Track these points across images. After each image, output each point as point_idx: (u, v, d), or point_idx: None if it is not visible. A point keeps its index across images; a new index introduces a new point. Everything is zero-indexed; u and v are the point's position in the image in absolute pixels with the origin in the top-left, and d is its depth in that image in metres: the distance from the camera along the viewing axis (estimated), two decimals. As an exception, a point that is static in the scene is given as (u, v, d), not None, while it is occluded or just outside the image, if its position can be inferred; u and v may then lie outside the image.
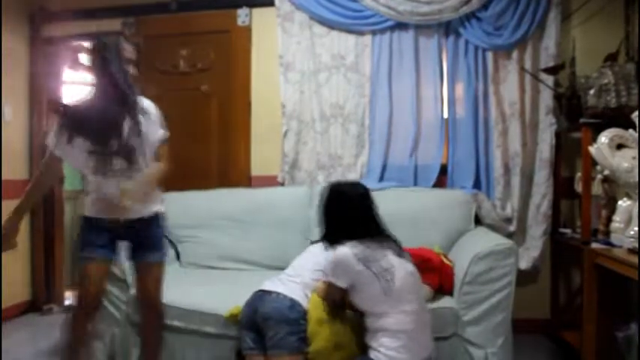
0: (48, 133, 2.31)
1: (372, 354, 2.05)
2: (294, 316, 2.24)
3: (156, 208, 2.43)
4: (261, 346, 2.30)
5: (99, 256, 2.33)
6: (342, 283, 2.14)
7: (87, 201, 2.38)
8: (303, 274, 2.41)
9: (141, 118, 2.27)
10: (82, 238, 2.36)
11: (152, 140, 2.34)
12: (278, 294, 2.31)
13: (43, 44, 4.21)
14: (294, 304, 2.27)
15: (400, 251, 2.20)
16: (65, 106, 2.35)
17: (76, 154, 2.23)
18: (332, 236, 2.25)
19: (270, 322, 2.24)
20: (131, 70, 2.37)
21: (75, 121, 2.21)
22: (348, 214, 2.24)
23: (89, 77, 2.39)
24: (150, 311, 2.50)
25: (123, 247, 2.43)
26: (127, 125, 2.22)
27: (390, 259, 2.12)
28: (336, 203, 2.30)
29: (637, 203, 2.41)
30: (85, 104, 2.26)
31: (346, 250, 2.12)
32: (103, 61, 2.28)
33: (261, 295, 2.35)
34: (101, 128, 2.19)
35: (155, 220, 2.43)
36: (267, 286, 2.39)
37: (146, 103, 2.38)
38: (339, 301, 2.22)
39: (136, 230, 2.36)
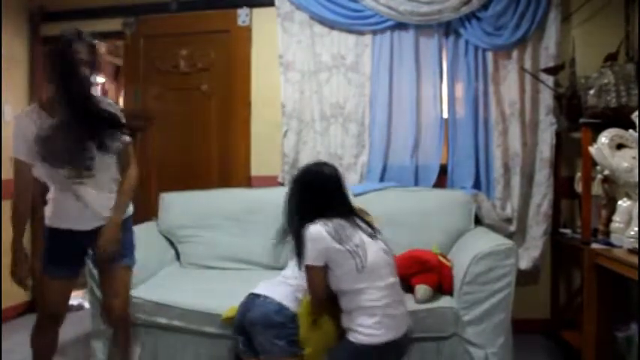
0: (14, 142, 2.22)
1: (351, 335, 2.06)
2: (281, 320, 2.23)
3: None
4: (253, 349, 2.30)
5: (64, 275, 2.33)
6: (316, 262, 2.11)
7: (48, 211, 2.33)
8: (298, 275, 2.36)
9: (104, 127, 2.22)
10: (48, 251, 2.33)
11: (115, 146, 2.28)
12: (266, 298, 2.30)
13: (43, 44, 4.21)
14: (281, 308, 2.25)
15: (372, 232, 2.20)
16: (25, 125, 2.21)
17: (41, 168, 2.22)
18: (303, 219, 2.19)
19: (257, 328, 2.25)
20: (87, 72, 2.21)
21: (41, 146, 2.15)
22: (316, 193, 2.23)
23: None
24: (115, 319, 2.45)
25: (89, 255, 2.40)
26: (90, 140, 2.18)
27: (361, 235, 2.14)
28: (304, 184, 2.29)
29: (637, 203, 2.40)
30: (45, 125, 2.16)
31: (318, 227, 2.12)
32: (52, 68, 2.19)
33: (252, 298, 2.35)
34: (67, 151, 2.15)
35: (123, 224, 2.38)
36: (259, 288, 2.39)
37: (106, 105, 2.31)
38: (323, 291, 2.17)
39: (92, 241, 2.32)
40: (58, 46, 2.21)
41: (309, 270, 2.15)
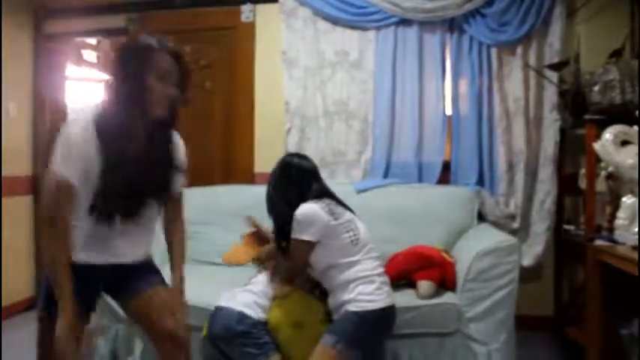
0: (54, 158, 1.71)
1: (352, 306, 2.10)
2: (243, 329, 2.21)
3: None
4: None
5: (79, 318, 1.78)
6: (311, 237, 2.17)
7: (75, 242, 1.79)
8: (265, 280, 2.43)
9: (175, 168, 1.94)
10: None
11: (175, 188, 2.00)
12: (227, 309, 2.29)
13: (47, 40, 4.22)
14: (242, 317, 2.23)
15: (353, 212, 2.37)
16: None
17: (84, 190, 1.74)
18: (292, 203, 2.25)
19: (222, 342, 2.26)
20: (172, 92, 1.82)
21: (101, 178, 1.72)
22: (303, 179, 2.35)
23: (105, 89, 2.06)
24: (182, 341, 1.96)
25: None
26: (159, 178, 1.88)
27: (348, 213, 2.30)
28: (290, 171, 2.38)
29: (638, 200, 2.40)
30: (106, 151, 1.72)
31: (312, 206, 2.21)
32: (124, 79, 1.78)
33: (215, 312, 2.34)
34: (129, 188, 1.77)
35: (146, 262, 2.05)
36: (221, 299, 2.37)
37: (178, 140, 2.02)
38: (303, 266, 2.28)
39: (124, 273, 1.94)
40: (136, 48, 1.86)
41: (299, 244, 2.20)
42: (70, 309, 1.68)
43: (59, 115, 4.33)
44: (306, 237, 2.18)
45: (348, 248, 2.19)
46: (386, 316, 2.17)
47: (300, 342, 2.24)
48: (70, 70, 4.66)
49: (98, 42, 5.13)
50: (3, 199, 3.77)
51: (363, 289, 2.12)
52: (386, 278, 2.25)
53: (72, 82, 4.82)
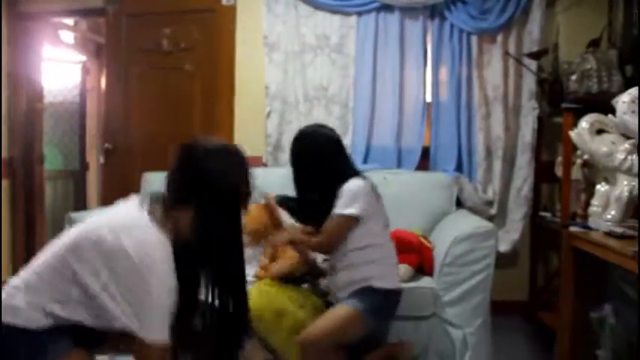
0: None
1: (376, 283, 2.13)
2: None
3: None
4: None
5: None
6: (359, 213, 2.11)
7: None
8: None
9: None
10: None
11: None
12: None
13: (23, 20, 4.12)
14: None
15: None
16: None
17: None
18: (337, 176, 2.21)
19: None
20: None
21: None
22: (341, 152, 2.31)
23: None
24: None
25: None
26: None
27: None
28: (331, 144, 2.29)
29: (614, 187, 2.44)
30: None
31: (360, 181, 2.18)
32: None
33: None
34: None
35: None
36: None
37: None
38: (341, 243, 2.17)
39: None
40: (234, 158, 1.59)
41: (344, 219, 2.12)
42: None
43: (35, 97, 4.26)
44: (354, 212, 2.11)
45: (382, 229, 2.23)
46: (399, 298, 2.25)
47: (281, 330, 2.24)
48: (47, 51, 4.57)
49: (75, 22, 5.04)
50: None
51: (386, 269, 2.20)
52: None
53: (48, 63, 4.73)
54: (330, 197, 2.16)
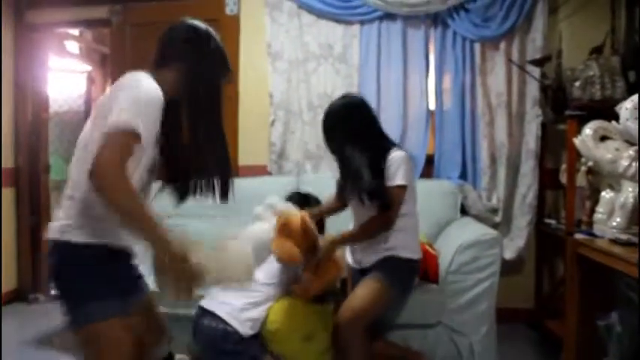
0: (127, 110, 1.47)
1: (404, 252, 2.25)
2: (230, 348, 2.12)
3: None
4: None
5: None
6: (407, 182, 2.21)
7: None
8: (255, 291, 2.24)
9: None
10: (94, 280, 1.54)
11: None
12: (213, 319, 2.16)
13: (28, 31, 4.16)
14: (226, 333, 2.13)
15: None
16: None
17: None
18: (379, 144, 2.29)
19: (208, 354, 2.21)
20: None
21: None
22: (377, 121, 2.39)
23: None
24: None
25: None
26: None
27: None
28: (369, 112, 2.36)
29: (619, 195, 2.44)
30: None
31: (404, 153, 2.25)
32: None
33: (200, 316, 2.22)
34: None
35: None
36: (208, 303, 2.22)
37: None
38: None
39: None
40: (202, 34, 1.75)
41: (400, 189, 2.20)
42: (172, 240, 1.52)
43: (41, 106, 4.29)
44: (405, 182, 2.19)
45: (413, 200, 2.31)
46: (419, 266, 2.37)
47: (309, 354, 2.24)
48: (53, 61, 4.60)
49: (81, 33, 5.08)
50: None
51: (413, 238, 2.32)
52: None
53: (54, 73, 4.76)
54: (377, 165, 2.20)
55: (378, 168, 2.20)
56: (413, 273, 2.36)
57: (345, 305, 2.15)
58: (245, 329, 2.16)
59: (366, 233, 2.28)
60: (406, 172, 2.20)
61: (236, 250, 1.89)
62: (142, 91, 1.53)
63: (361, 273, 2.33)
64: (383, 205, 2.18)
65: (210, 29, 1.78)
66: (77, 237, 1.51)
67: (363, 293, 2.16)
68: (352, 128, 2.28)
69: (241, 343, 2.15)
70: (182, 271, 1.52)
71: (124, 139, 1.42)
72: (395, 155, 2.22)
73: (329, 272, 2.26)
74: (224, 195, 1.80)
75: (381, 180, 2.19)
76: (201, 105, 1.70)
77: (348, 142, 2.25)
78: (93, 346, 1.56)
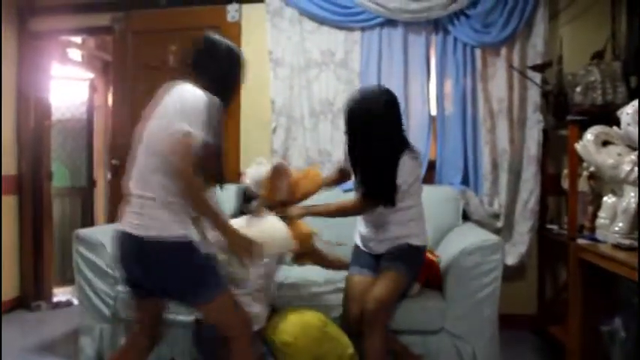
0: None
1: (415, 240, 2.41)
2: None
3: None
4: None
5: None
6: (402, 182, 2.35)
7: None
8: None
9: None
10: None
11: None
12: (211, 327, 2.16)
13: (31, 39, 4.18)
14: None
15: None
16: None
17: None
18: (401, 140, 2.40)
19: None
20: None
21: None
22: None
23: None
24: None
25: None
26: None
27: None
28: (394, 105, 2.41)
29: (622, 200, 2.43)
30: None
31: (407, 157, 2.36)
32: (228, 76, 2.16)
33: (197, 327, 2.31)
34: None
35: None
36: None
37: None
38: None
39: None
40: (232, 51, 2.16)
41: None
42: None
43: (44, 114, 4.30)
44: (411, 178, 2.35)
45: (420, 190, 2.49)
46: (425, 252, 2.50)
47: None
48: (55, 68, 4.62)
49: (83, 40, 5.10)
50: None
51: (422, 226, 2.46)
52: None
53: (57, 80, 4.78)
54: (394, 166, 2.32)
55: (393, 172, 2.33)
56: (421, 259, 2.50)
57: (370, 295, 2.26)
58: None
59: (340, 213, 2.47)
60: (407, 173, 2.33)
61: (272, 225, 2.23)
62: (203, 103, 1.86)
63: (373, 257, 2.51)
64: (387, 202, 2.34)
65: (233, 45, 2.18)
66: (176, 231, 1.81)
67: (385, 284, 2.29)
68: (388, 127, 2.35)
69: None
70: (247, 249, 2.00)
71: (192, 147, 1.78)
72: (403, 160, 2.33)
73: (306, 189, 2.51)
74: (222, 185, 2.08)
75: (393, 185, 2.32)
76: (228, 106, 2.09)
77: (378, 140, 2.32)
78: (222, 311, 1.94)
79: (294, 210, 2.41)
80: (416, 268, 2.44)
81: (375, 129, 2.30)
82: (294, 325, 2.28)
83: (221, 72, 2.08)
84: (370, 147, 2.32)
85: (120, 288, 2.64)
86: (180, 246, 1.82)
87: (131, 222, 1.83)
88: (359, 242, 2.62)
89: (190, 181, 1.77)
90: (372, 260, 2.50)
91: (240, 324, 1.98)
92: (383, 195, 2.33)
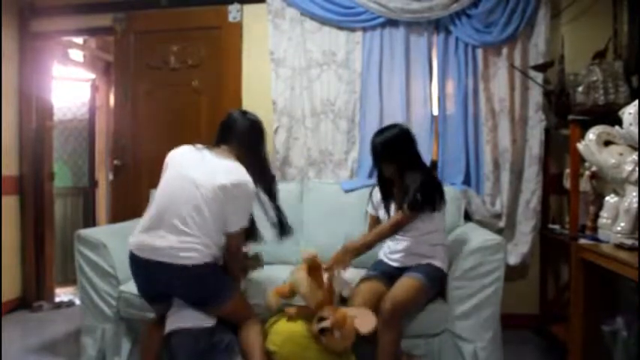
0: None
1: (436, 262, 2.50)
2: (204, 346, 2.21)
3: None
4: None
5: None
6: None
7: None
8: None
9: None
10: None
11: None
12: (178, 336, 2.24)
13: (33, 39, 4.19)
14: (197, 337, 2.21)
15: None
16: None
17: None
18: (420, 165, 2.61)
19: None
20: None
21: None
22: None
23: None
24: None
25: None
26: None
27: None
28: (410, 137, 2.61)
29: (624, 199, 2.43)
30: None
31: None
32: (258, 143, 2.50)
33: (168, 340, 2.27)
34: None
35: None
36: (170, 325, 2.27)
37: None
38: None
39: None
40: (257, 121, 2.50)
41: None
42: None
43: (45, 114, 4.30)
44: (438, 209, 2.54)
45: (445, 219, 2.64)
46: (445, 277, 2.52)
47: None
48: (57, 69, 4.62)
49: (85, 41, 5.10)
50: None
51: (445, 253, 2.56)
52: None
53: (58, 81, 4.79)
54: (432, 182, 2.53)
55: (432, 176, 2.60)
56: (440, 283, 2.51)
57: (388, 296, 2.33)
58: (210, 320, 2.23)
59: (379, 238, 2.52)
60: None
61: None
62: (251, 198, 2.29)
63: (397, 270, 2.57)
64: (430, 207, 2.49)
65: (257, 118, 2.54)
66: (210, 258, 2.19)
67: (405, 287, 2.37)
68: (409, 154, 2.58)
69: (213, 335, 2.24)
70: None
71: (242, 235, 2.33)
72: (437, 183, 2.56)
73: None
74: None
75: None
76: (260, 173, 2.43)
77: (408, 165, 2.54)
78: (240, 300, 2.35)
79: (340, 260, 2.40)
80: (435, 287, 2.49)
81: (406, 145, 2.57)
82: (278, 334, 2.32)
83: (259, 146, 2.51)
84: (406, 160, 2.55)
85: (123, 288, 2.66)
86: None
87: (176, 254, 2.12)
88: (382, 255, 2.73)
89: (239, 257, 2.40)
90: (392, 270, 2.59)
91: (250, 308, 2.39)
92: (427, 197, 2.45)
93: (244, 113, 2.50)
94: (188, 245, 2.12)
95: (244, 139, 2.39)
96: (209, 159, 2.26)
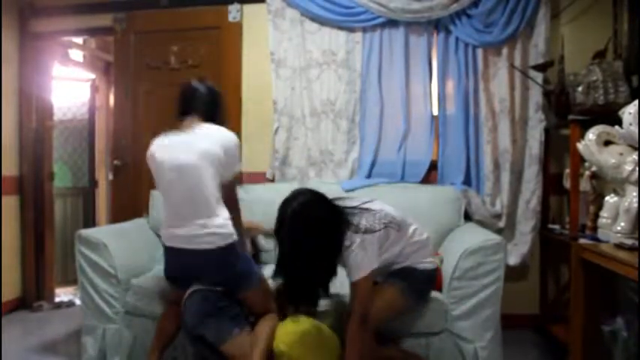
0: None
1: (422, 265, 2.35)
2: (212, 309, 2.30)
3: None
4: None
5: None
6: (370, 268, 2.22)
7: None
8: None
9: None
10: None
11: None
12: (190, 298, 2.36)
13: (33, 40, 4.19)
14: (206, 297, 2.32)
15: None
16: None
17: None
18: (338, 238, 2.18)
19: (198, 328, 2.31)
20: None
21: None
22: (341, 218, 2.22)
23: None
24: None
25: None
26: None
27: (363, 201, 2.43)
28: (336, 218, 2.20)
29: (624, 199, 2.43)
30: None
31: (358, 239, 2.16)
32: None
33: (184, 307, 2.38)
34: None
35: None
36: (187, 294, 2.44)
37: None
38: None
39: None
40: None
41: (364, 281, 2.14)
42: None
43: (45, 114, 4.30)
44: (368, 270, 2.15)
45: (408, 231, 2.34)
46: (435, 273, 2.44)
47: None
48: (57, 69, 4.62)
49: (84, 41, 5.10)
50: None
51: (422, 254, 2.35)
52: None
53: (58, 81, 4.79)
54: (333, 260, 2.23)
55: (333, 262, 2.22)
56: (429, 279, 2.42)
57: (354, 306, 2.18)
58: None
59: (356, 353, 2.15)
60: (371, 256, 2.16)
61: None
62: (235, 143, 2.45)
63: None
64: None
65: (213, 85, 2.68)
66: (231, 239, 2.31)
67: (378, 296, 2.24)
68: (320, 231, 2.15)
69: (221, 299, 2.31)
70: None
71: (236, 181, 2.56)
72: (353, 246, 2.14)
73: None
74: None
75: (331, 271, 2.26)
76: None
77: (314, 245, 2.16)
78: (263, 292, 2.45)
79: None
80: (420, 288, 2.37)
81: (311, 237, 2.16)
82: (288, 334, 2.30)
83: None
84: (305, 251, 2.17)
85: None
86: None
87: (200, 241, 2.27)
88: None
89: (238, 206, 2.54)
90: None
91: (271, 303, 2.47)
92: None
93: (201, 80, 2.67)
94: (209, 230, 2.26)
95: (207, 107, 2.55)
96: (185, 137, 2.42)
